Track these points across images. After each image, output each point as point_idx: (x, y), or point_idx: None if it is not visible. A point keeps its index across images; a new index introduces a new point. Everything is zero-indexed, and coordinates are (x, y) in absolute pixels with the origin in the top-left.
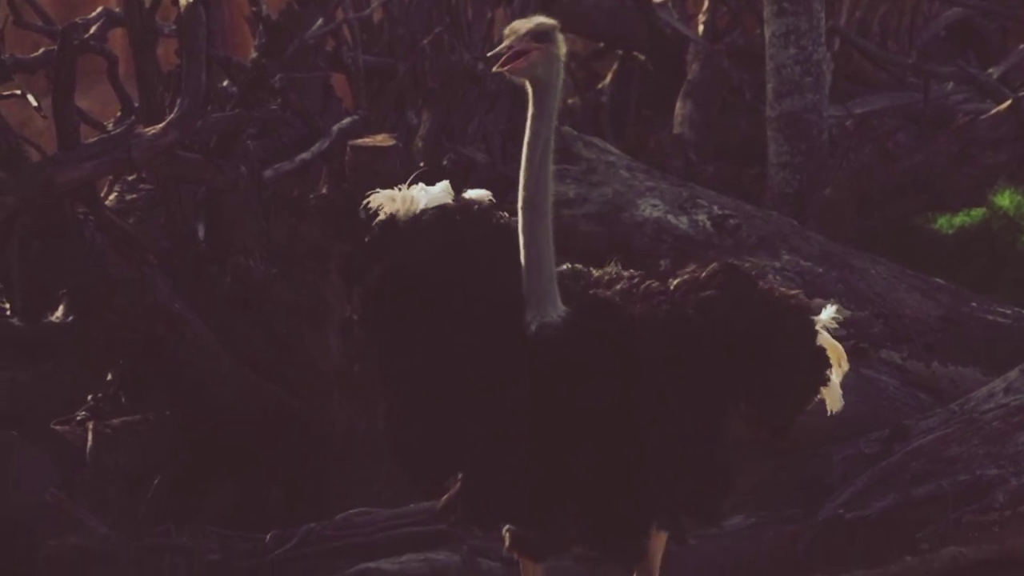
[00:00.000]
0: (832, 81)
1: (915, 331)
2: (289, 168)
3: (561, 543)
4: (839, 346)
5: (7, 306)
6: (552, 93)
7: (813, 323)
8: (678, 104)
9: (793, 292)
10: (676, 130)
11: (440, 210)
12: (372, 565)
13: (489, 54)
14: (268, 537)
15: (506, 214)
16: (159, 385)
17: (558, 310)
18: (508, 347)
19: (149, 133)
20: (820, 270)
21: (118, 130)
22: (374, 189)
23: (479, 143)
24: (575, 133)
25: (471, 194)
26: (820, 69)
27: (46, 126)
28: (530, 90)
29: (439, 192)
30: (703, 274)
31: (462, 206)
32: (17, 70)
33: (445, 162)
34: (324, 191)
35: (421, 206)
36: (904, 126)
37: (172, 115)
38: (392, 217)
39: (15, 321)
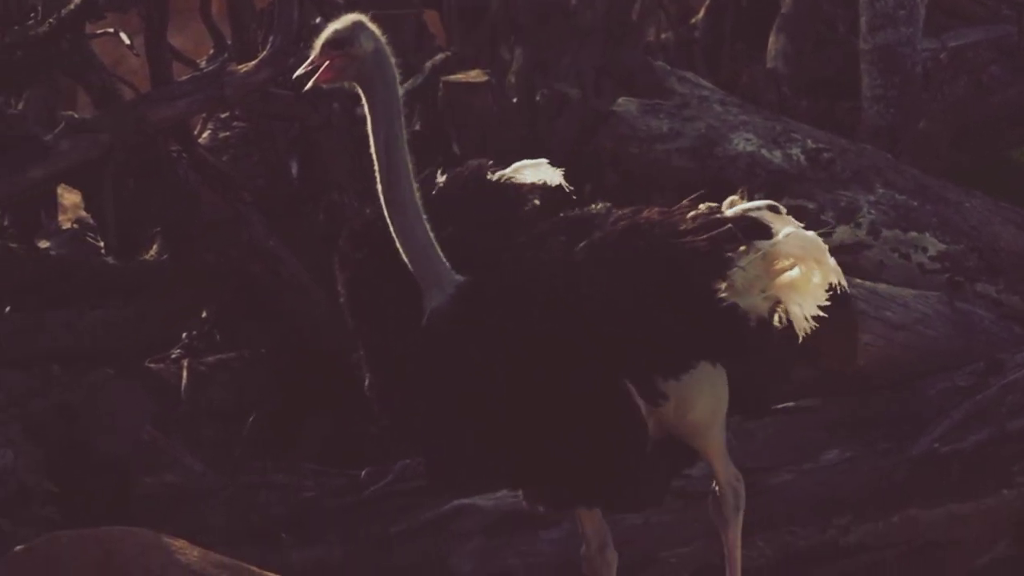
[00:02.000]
0: (926, 14)
1: (1010, 264)
2: None
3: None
4: (812, 239)
5: (101, 245)
6: (376, 89)
7: (714, 282)
8: (771, 38)
9: (712, 234)
10: (769, 64)
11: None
12: (467, 501)
13: (294, 75)
14: (363, 473)
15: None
16: (253, 322)
17: (445, 291)
18: (414, 332)
19: (242, 71)
20: (915, 203)
21: (211, 68)
22: (467, 125)
23: (572, 78)
24: (668, 68)
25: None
26: (914, 2)
27: (139, 65)
28: (360, 92)
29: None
30: (609, 235)
31: (466, 171)
32: (110, 9)
33: (538, 98)
34: (418, 127)
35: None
36: (998, 59)
37: (265, 52)
38: None
39: (109, 259)
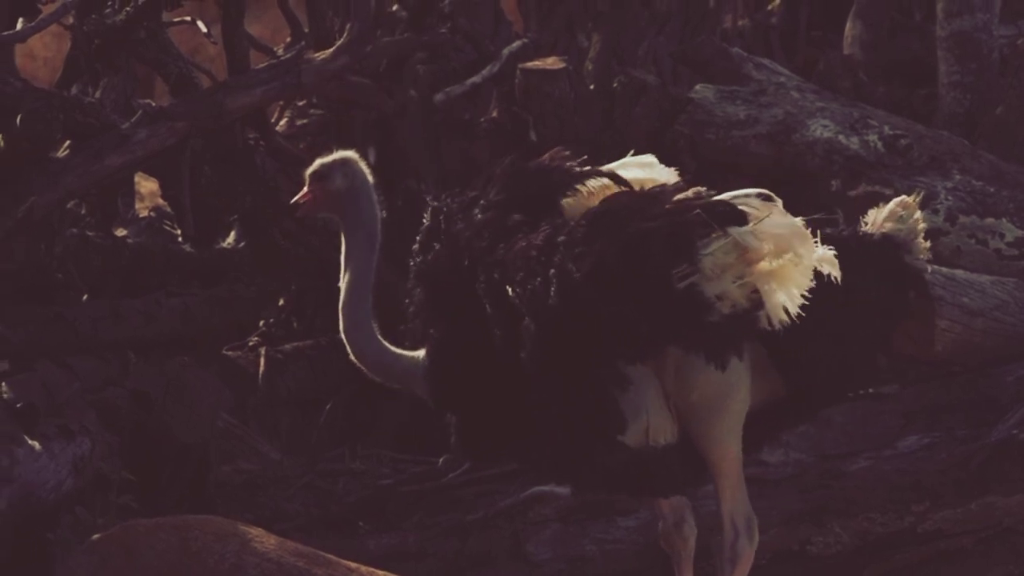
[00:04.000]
0: (1003, 0)
1: None
2: (460, 92)
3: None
4: (792, 226)
5: (178, 232)
6: (348, 223)
7: (674, 266)
8: (848, 24)
9: (676, 220)
10: (846, 50)
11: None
12: (545, 488)
13: (291, 202)
14: (441, 461)
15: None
16: (330, 309)
17: (420, 373)
18: None
19: (319, 58)
20: (992, 189)
21: (288, 55)
22: (544, 112)
23: (649, 65)
24: (745, 54)
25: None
26: None
27: (217, 52)
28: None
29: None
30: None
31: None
32: None
33: (615, 84)
34: (495, 114)
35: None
36: None
37: (342, 40)
38: None
39: (186, 247)
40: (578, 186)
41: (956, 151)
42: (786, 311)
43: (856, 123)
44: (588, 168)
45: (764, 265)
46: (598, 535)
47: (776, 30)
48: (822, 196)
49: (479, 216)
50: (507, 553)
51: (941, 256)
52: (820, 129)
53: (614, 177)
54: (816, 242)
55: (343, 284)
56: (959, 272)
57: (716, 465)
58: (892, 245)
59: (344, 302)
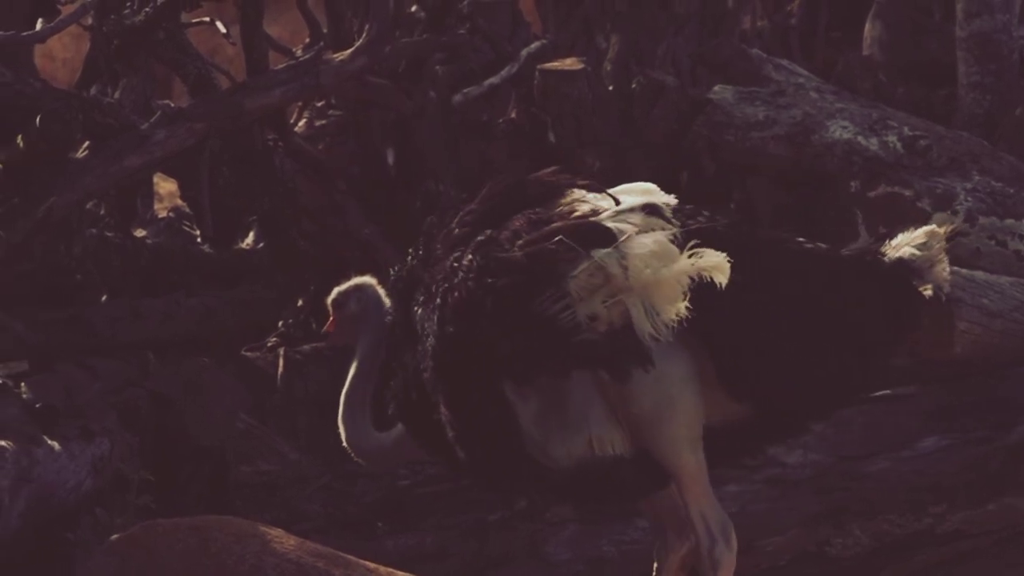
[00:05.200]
0: (1022, 1)
1: None
2: (478, 93)
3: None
4: (654, 244)
5: (197, 233)
6: (360, 342)
7: (538, 292)
8: (867, 25)
9: (536, 248)
10: (865, 51)
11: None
12: None
13: (322, 331)
14: None
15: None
16: None
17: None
18: None
19: (338, 59)
20: (1011, 190)
21: (307, 56)
22: (563, 113)
23: (668, 66)
24: (764, 55)
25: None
26: None
27: (236, 53)
28: None
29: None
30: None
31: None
32: None
33: (634, 86)
34: (513, 115)
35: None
36: None
37: (361, 41)
38: None
39: (205, 248)
40: (552, 200)
41: (975, 152)
42: (665, 323)
43: (875, 124)
44: (567, 180)
45: (632, 282)
46: (616, 536)
47: (795, 31)
48: (841, 197)
49: (456, 231)
50: (525, 553)
51: (960, 258)
52: (839, 130)
53: (592, 190)
54: (703, 252)
55: (343, 394)
56: (978, 273)
57: (675, 474)
58: (905, 269)
59: (342, 414)
